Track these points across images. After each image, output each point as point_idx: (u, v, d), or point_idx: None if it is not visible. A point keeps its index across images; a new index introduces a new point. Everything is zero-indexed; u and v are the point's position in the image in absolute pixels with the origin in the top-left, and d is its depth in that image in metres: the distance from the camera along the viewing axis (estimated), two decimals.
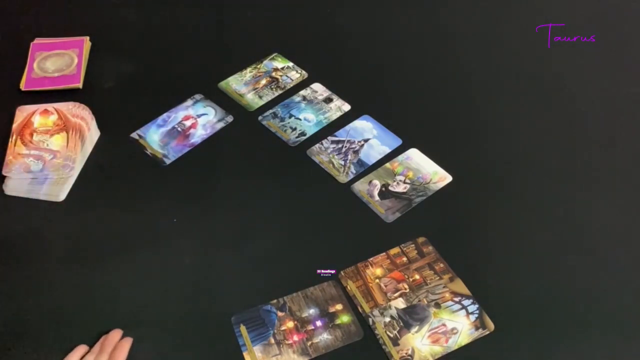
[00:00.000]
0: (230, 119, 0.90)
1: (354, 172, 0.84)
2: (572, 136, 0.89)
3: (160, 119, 0.90)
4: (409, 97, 0.95)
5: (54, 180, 0.80)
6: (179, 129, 0.89)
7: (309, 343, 0.67)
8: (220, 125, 0.89)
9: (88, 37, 1.00)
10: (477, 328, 0.68)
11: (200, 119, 0.90)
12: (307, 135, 0.88)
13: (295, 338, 0.67)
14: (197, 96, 0.93)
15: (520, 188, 0.83)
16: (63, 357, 0.64)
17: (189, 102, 0.93)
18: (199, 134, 0.88)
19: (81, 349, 0.66)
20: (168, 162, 0.84)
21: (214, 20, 1.07)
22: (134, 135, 0.88)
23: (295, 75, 0.97)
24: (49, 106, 0.88)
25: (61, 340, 0.67)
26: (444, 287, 0.72)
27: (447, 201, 0.81)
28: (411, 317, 0.69)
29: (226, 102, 0.93)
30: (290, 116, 0.91)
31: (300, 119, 0.90)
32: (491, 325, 0.68)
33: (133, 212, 0.79)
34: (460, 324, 0.68)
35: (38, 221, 0.78)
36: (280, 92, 0.94)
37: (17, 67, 0.96)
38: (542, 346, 0.67)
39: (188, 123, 0.90)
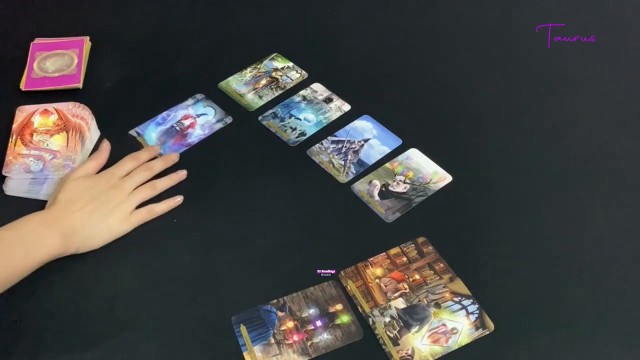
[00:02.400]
0: (229, 120, 0.89)
1: (354, 172, 0.84)
2: (573, 136, 0.89)
3: (159, 117, 0.90)
4: (409, 97, 0.95)
5: (54, 181, 0.80)
6: (177, 127, 0.88)
7: (309, 343, 0.67)
8: (219, 125, 0.89)
9: (88, 37, 1.00)
10: (477, 328, 0.68)
11: (199, 118, 0.90)
12: (307, 135, 0.89)
13: (295, 338, 0.67)
14: (199, 96, 0.93)
15: (521, 188, 0.83)
16: (61, 356, 0.64)
17: (190, 101, 0.92)
18: (197, 134, 0.88)
19: (130, 160, 0.81)
20: None
21: (213, 20, 1.07)
22: (133, 132, 0.88)
23: (295, 75, 0.97)
24: (49, 106, 0.88)
25: (60, 341, 0.67)
26: (444, 287, 0.72)
27: (447, 201, 0.81)
28: (411, 317, 0.69)
29: (226, 102, 0.93)
30: (290, 116, 0.91)
31: (300, 119, 0.90)
32: (491, 325, 0.68)
33: None
34: (460, 324, 0.68)
35: None
36: (280, 92, 0.94)
37: (17, 67, 0.96)
38: (542, 346, 0.67)
39: (187, 122, 0.89)
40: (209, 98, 0.93)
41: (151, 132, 0.88)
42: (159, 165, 0.82)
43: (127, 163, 0.81)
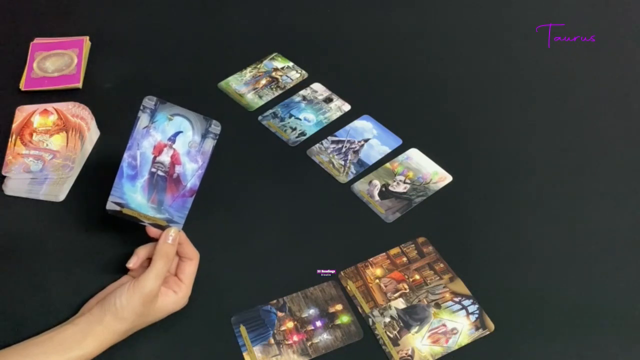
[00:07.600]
0: (217, 128, 0.69)
1: (354, 172, 0.84)
2: (572, 136, 0.89)
3: (125, 165, 0.67)
4: (409, 97, 0.95)
5: (54, 181, 0.80)
6: (160, 173, 0.67)
7: (308, 343, 0.67)
8: (210, 143, 0.68)
9: (88, 37, 1.00)
10: (477, 328, 0.68)
11: (176, 144, 0.67)
12: (307, 135, 0.88)
13: (295, 338, 0.67)
14: (149, 102, 0.67)
15: (521, 188, 0.83)
16: None
17: (144, 116, 0.67)
18: (190, 170, 0.67)
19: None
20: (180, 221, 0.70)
21: (213, 20, 1.07)
22: (112, 205, 0.69)
23: (295, 75, 0.97)
24: (49, 106, 0.88)
25: None
26: (444, 287, 0.72)
27: (447, 201, 0.81)
28: (411, 317, 0.69)
29: (226, 102, 0.93)
30: (290, 116, 0.91)
31: (300, 119, 0.90)
32: (491, 325, 0.68)
33: None
34: (461, 324, 0.68)
35: (37, 221, 0.78)
36: (280, 92, 0.94)
37: (17, 67, 0.96)
38: (542, 346, 0.67)
39: (167, 159, 0.67)
40: (164, 99, 0.68)
41: (132, 194, 0.67)
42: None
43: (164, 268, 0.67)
